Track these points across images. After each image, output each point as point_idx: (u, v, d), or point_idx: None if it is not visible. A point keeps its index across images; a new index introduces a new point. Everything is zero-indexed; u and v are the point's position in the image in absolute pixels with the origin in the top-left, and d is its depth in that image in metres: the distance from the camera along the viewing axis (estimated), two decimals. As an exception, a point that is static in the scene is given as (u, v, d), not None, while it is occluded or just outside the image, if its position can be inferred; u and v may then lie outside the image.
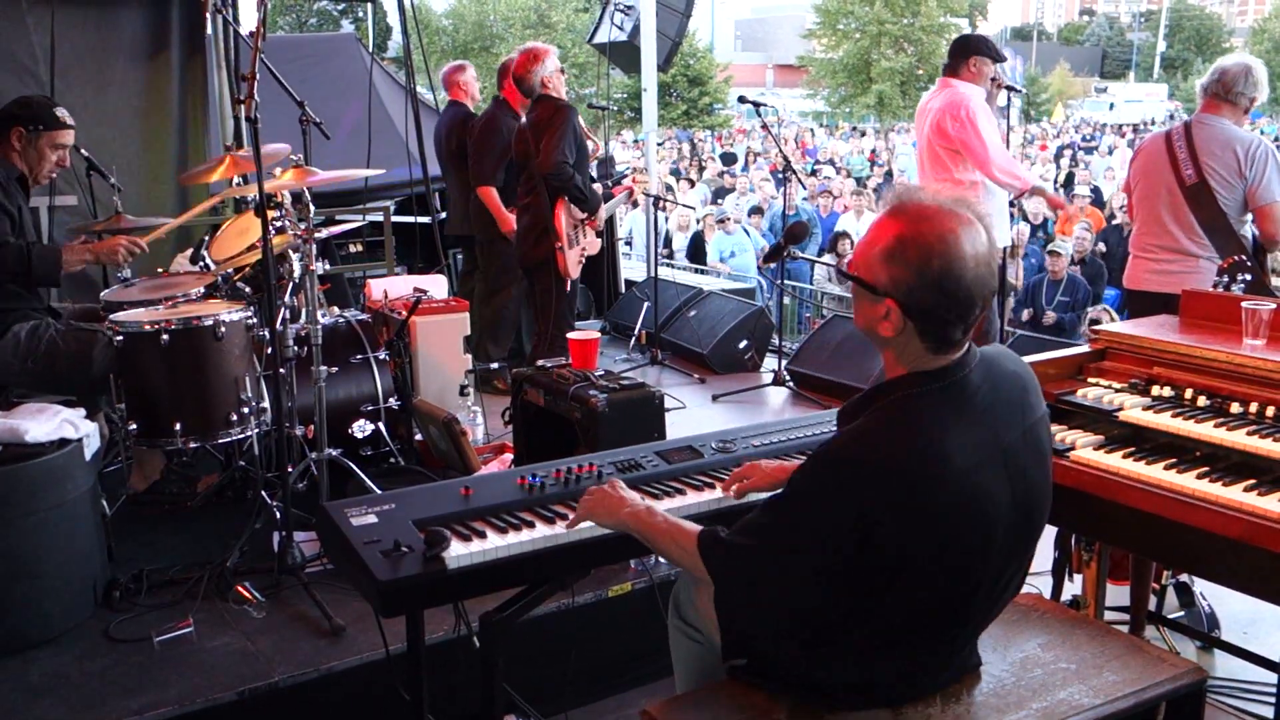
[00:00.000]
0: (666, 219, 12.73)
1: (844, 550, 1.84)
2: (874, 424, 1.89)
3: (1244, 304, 2.85)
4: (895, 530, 1.81)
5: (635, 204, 11.07)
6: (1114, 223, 12.05)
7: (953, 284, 1.83)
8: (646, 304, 7.22)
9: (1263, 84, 4.15)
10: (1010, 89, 5.41)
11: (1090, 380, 3.02)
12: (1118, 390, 2.90)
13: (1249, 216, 4.13)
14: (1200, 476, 2.50)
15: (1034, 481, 2.00)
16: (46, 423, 3.29)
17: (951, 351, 1.91)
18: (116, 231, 4.46)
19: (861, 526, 1.81)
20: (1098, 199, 14.15)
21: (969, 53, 5.12)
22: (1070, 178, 16.70)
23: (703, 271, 10.87)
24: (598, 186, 5.74)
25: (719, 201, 15.33)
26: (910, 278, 1.85)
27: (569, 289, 5.58)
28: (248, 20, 6.43)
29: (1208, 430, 2.61)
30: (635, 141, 22.87)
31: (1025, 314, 9.03)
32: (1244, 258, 3.25)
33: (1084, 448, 2.73)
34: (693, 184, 17.36)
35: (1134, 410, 2.77)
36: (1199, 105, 4.25)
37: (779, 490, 2.01)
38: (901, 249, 1.85)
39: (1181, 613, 3.63)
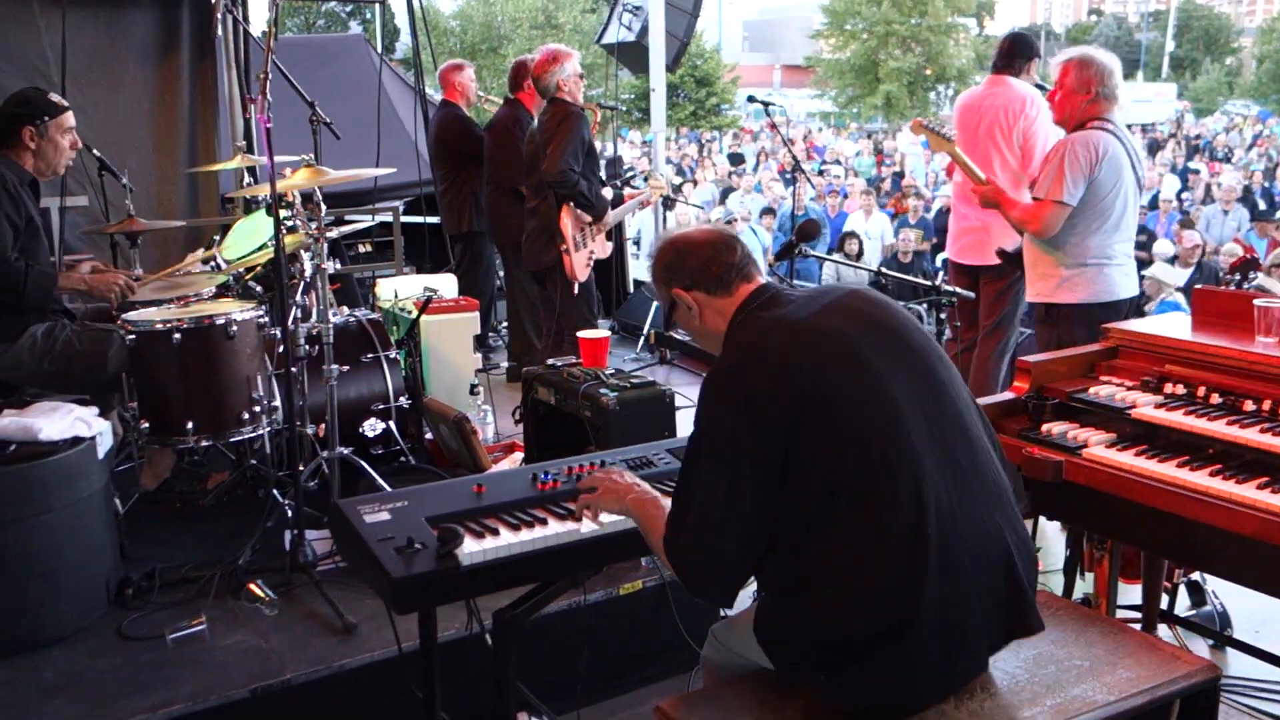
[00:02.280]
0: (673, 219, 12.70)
1: (751, 448, 1.96)
2: (725, 347, 2.20)
3: (1256, 302, 2.85)
4: (771, 394, 1.97)
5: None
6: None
7: (682, 244, 2.27)
8: (655, 304, 7.22)
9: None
10: (1039, 87, 5.34)
11: (1102, 378, 3.02)
12: (1130, 388, 2.89)
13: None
14: (1213, 474, 2.49)
15: (880, 315, 2.13)
16: (60, 421, 3.30)
17: (740, 282, 2.22)
18: (130, 234, 4.48)
19: (750, 413, 1.97)
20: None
21: (1030, 54, 5.03)
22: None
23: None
24: (607, 191, 5.70)
25: (725, 202, 15.31)
26: (665, 268, 2.27)
27: (578, 291, 5.55)
28: (257, 21, 6.46)
29: (1220, 428, 2.60)
30: (644, 142, 22.85)
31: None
32: (1254, 256, 3.24)
33: (1096, 445, 2.72)
34: (695, 184, 17.31)
35: (1146, 408, 2.76)
36: (1100, 107, 4.00)
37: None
38: (655, 270, 2.31)
39: (1193, 611, 3.62)
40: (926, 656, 1.97)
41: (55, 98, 3.93)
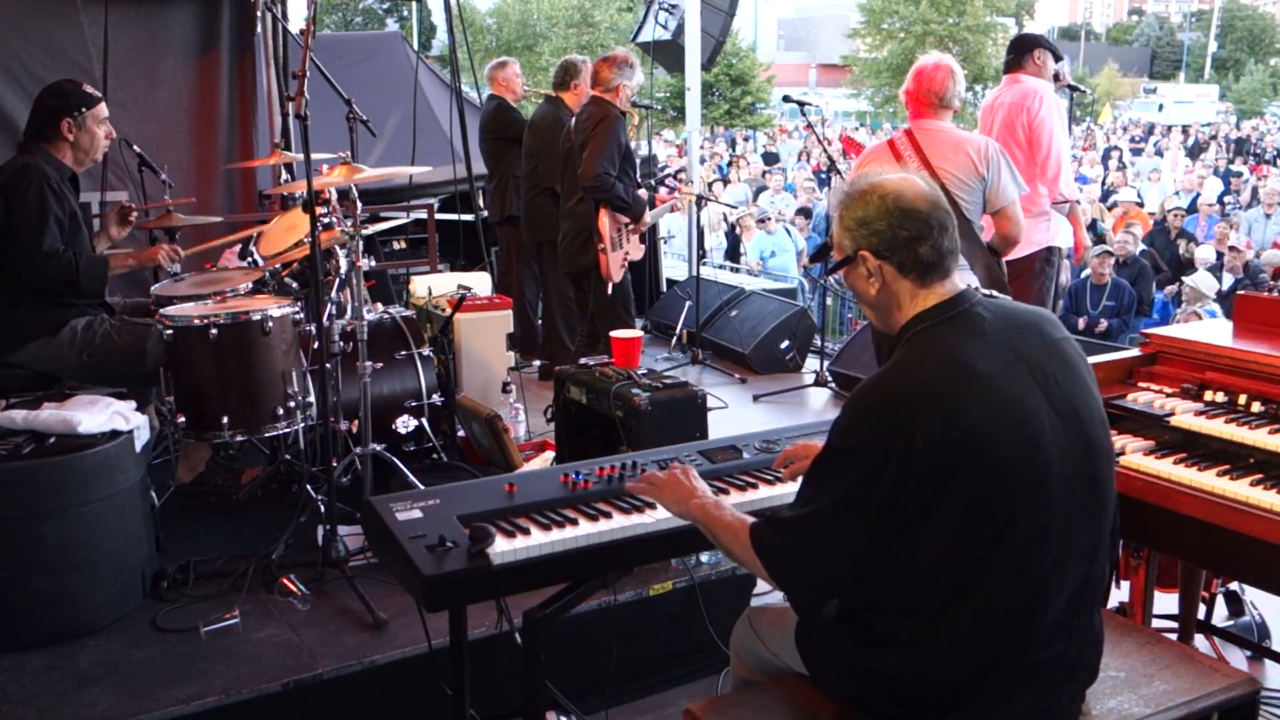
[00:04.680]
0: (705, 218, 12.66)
1: (888, 486, 1.83)
2: (895, 360, 1.97)
3: (1300, 309, 2.80)
4: (932, 445, 1.80)
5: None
6: (1163, 225, 11.88)
7: (893, 201, 1.97)
8: (688, 303, 7.21)
9: (962, 84, 4.21)
10: (1073, 88, 5.33)
11: (1141, 385, 2.98)
12: (1169, 395, 2.86)
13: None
14: (1254, 484, 2.45)
15: (1069, 391, 1.95)
16: (98, 414, 3.34)
17: (939, 280, 1.98)
18: (170, 229, 4.52)
19: (901, 452, 1.81)
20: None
21: (1031, 46, 5.07)
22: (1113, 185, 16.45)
23: (739, 271, 10.83)
24: (642, 192, 5.68)
25: (757, 201, 15.25)
26: (860, 221, 1.99)
27: (615, 292, 5.54)
28: (296, 18, 6.50)
29: (1261, 437, 2.56)
30: (680, 141, 22.79)
31: (1083, 322, 8.87)
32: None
33: (1134, 453, 2.69)
34: (726, 183, 17.23)
35: (1186, 416, 2.72)
36: (909, 112, 4.25)
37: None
38: (845, 211, 2.03)
39: (1231, 621, 3.57)
40: None
41: (89, 89, 3.94)
